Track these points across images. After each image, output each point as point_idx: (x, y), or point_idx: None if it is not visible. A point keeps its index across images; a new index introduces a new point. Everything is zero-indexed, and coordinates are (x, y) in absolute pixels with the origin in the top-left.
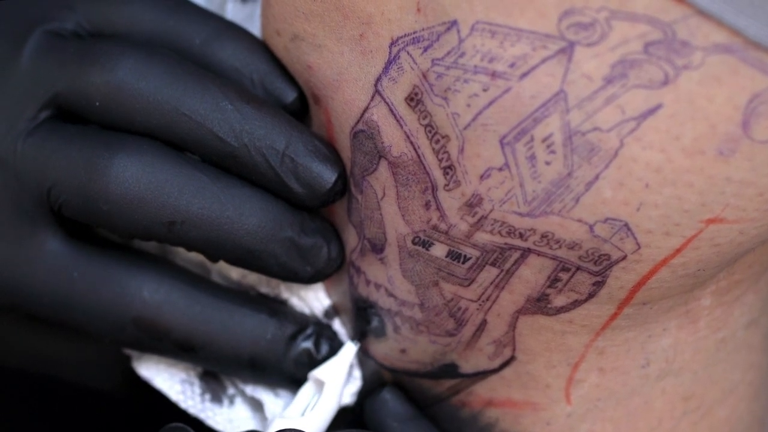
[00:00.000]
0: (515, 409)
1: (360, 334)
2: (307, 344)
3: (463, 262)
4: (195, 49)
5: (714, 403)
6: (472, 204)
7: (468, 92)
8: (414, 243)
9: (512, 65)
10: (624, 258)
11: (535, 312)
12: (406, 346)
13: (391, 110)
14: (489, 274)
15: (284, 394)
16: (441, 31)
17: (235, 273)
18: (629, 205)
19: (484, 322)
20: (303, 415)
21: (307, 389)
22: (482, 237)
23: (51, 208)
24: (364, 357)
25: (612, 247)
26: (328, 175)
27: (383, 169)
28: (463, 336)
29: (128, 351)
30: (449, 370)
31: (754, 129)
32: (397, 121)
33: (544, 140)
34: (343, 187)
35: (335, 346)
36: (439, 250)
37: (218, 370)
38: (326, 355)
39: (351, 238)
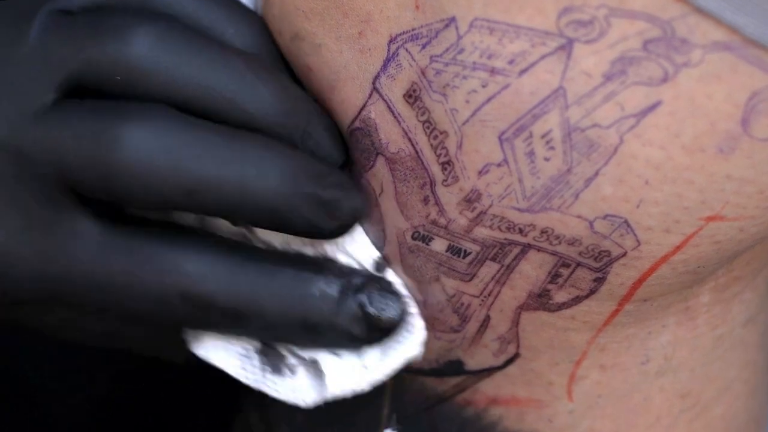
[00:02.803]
0: (519, 406)
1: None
2: (359, 297)
3: (464, 257)
4: (212, 28)
5: (710, 401)
6: (470, 199)
7: (467, 88)
8: (414, 238)
9: (511, 62)
10: (624, 255)
11: (537, 308)
12: None
13: (389, 107)
14: (490, 269)
15: (345, 354)
16: (439, 28)
17: (278, 239)
18: (629, 201)
19: (487, 318)
20: None
21: None
22: (482, 232)
23: (73, 189)
24: None
25: (612, 244)
26: (339, 156)
27: (380, 166)
28: (468, 332)
29: (185, 333)
30: (454, 367)
31: (753, 127)
32: (395, 117)
33: (543, 136)
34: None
35: (389, 298)
36: (438, 245)
37: (273, 339)
38: (382, 306)
39: None
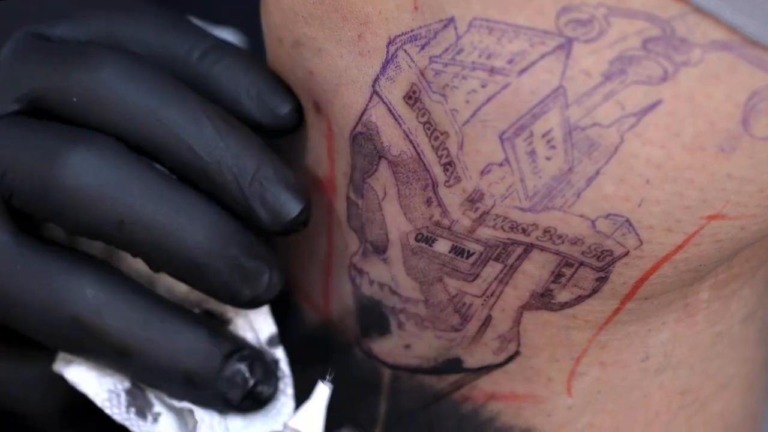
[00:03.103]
0: (517, 401)
1: (363, 334)
2: (243, 365)
3: (467, 257)
4: (192, 62)
5: (709, 397)
6: (473, 200)
7: (466, 88)
8: (417, 240)
9: (510, 61)
10: (626, 254)
11: (540, 308)
12: (411, 341)
13: (389, 110)
14: (493, 269)
15: (211, 413)
16: (438, 29)
17: (181, 288)
18: (630, 200)
19: (489, 318)
20: None
21: None
22: (485, 232)
23: (2, 197)
24: (363, 358)
25: (614, 243)
26: (293, 206)
27: (383, 169)
28: (468, 331)
29: (60, 357)
30: (453, 365)
31: (754, 126)
32: (396, 120)
33: (543, 135)
34: (306, 219)
35: (270, 373)
36: (442, 246)
37: (151, 382)
38: (260, 379)
39: (351, 243)
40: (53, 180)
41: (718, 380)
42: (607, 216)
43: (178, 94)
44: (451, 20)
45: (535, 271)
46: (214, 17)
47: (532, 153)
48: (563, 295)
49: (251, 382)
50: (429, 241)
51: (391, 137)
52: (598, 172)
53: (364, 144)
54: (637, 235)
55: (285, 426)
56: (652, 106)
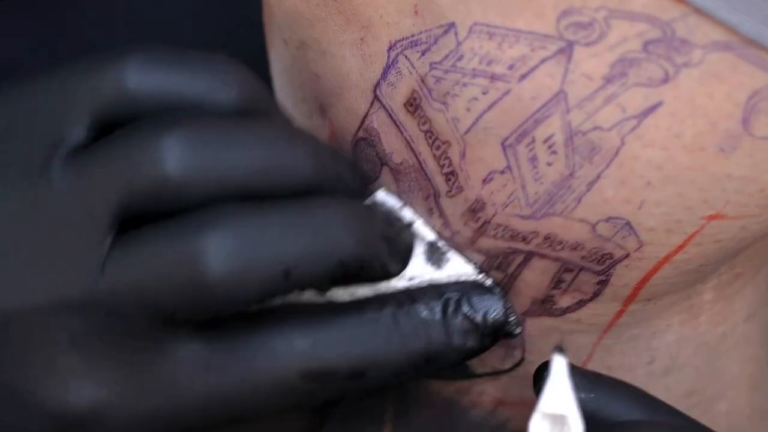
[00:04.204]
0: (527, 408)
1: None
2: (462, 309)
3: None
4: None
5: (714, 398)
6: (475, 209)
7: (467, 96)
8: None
9: (511, 67)
10: (627, 256)
11: (542, 314)
12: None
13: (390, 116)
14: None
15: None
16: (439, 34)
17: (344, 293)
18: (631, 203)
19: None
20: None
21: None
22: (486, 242)
23: (161, 319)
24: None
25: (615, 246)
26: (363, 188)
27: (386, 177)
28: None
29: None
30: (461, 371)
31: (754, 126)
32: (397, 127)
33: (545, 141)
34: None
35: (485, 295)
36: None
37: (392, 382)
38: (485, 309)
39: None
40: (204, 285)
41: (723, 380)
42: (608, 219)
43: (251, 135)
44: (452, 26)
45: (535, 278)
46: (214, 17)
47: (534, 159)
48: (564, 300)
49: (480, 319)
50: None
51: (392, 145)
52: (599, 176)
53: (366, 150)
54: (638, 237)
55: (538, 411)
56: (653, 108)
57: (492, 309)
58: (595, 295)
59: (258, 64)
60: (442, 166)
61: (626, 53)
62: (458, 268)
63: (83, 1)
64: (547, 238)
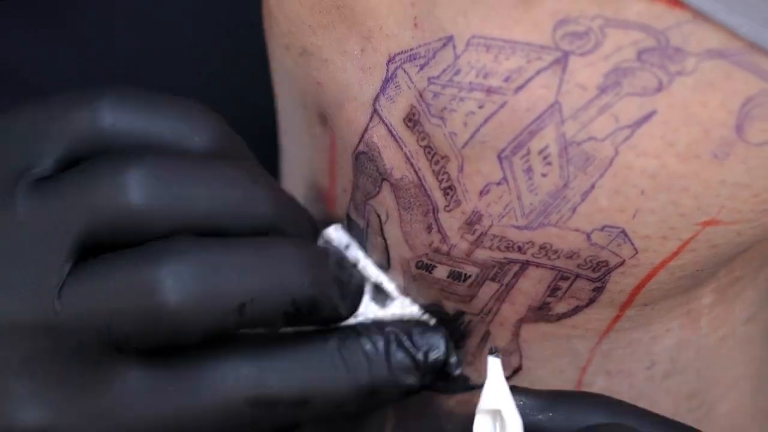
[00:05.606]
0: None
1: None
2: (403, 346)
3: (464, 281)
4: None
5: (716, 400)
6: (471, 222)
7: (464, 111)
8: (418, 267)
9: (507, 79)
10: (622, 263)
11: (538, 320)
12: None
13: (390, 131)
14: (489, 288)
15: None
16: (437, 48)
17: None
18: (625, 212)
19: (487, 333)
20: None
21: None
22: (481, 254)
23: (113, 345)
24: None
25: (610, 254)
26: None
27: (386, 192)
28: (469, 347)
29: None
30: (461, 384)
31: (747, 132)
32: (397, 142)
33: (540, 152)
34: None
35: (427, 332)
36: (441, 272)
37: (332, 413)
38: (427, 347)
39: None
40: (160, 313)
41: (724, 382)
42: (603, 228)
43: (215, 173)
44: (450, 39)
45: (531, 287)
46: (214, 18)
47: (529, 170)
48: (560, 307)
49: (421, 358)
50: (429, 268)
51: (393, 160)
52: (593, 186)
53: (367, 164)
54: (632, 244)
55: (479, 411)
56: (647, 117)
57: (434, 348)
58: (591, 301)
59: (258, 65)
60: (440, 181)
61: (620, 62)
62: (403, 308)
63: (83, 1)
64: (542, 247)
